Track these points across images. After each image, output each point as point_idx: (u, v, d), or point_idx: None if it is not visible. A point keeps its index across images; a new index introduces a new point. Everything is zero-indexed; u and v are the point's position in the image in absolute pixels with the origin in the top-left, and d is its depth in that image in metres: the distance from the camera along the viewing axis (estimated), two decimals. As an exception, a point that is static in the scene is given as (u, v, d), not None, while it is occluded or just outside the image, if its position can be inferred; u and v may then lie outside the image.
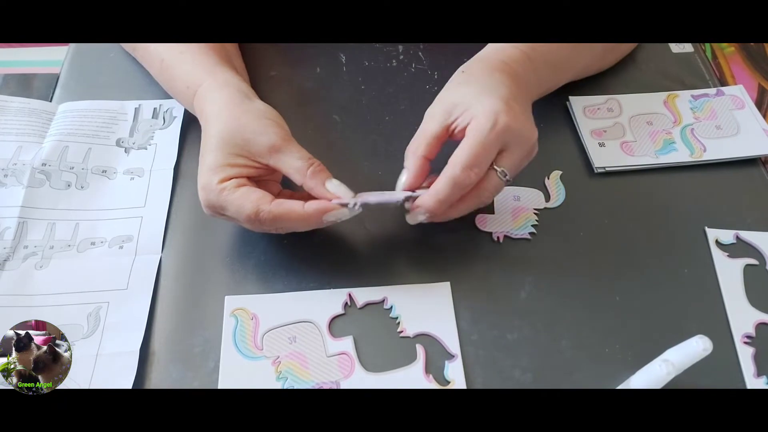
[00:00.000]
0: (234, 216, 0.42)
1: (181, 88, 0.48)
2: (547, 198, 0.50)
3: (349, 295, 0.44)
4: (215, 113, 0.44)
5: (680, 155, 0.52)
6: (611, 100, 0.56)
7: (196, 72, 0.47)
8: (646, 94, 0.56)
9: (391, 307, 0.44)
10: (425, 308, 0.44)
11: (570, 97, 0.56)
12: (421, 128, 0.45)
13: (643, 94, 0.56)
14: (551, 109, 0.56)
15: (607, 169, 0.51)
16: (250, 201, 0.41)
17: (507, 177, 0.43)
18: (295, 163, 0.42)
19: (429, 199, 0.41)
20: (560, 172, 0.51)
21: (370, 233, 0.47)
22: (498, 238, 0.47)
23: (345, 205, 0.42)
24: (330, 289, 0.45)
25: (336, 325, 0.43)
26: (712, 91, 0.56)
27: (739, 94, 0.56)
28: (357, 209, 0.42)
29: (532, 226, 0.48)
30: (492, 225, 0.48)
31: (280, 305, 0.44)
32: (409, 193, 0.43)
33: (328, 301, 0.44)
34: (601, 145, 0.52)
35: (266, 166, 0.43)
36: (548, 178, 0.51)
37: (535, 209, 0.49)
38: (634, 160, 0.52)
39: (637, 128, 0.54)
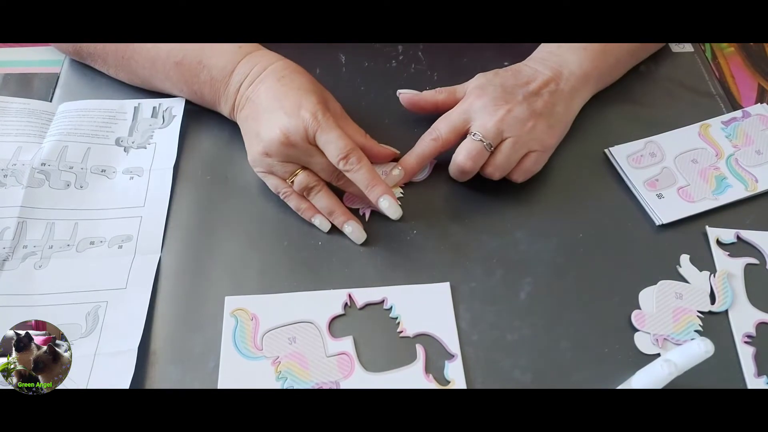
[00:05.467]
0: (323, 145, 0.44)
1: (214, 63, 0.48)
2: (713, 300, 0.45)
3: (349, 295, 0.44)
4: (283, 67, 0.47)
5: (736, 192, 0.50)
6: (650, 144, 0.53)
7: (232, 50, 0.48)
8: (680, 130, 0.54)
9: (391, 307, 0.44)
10: (425, 308, 0.44)
11: (611, 149, 0.53)
12: None
13: (676, 130, 0.54)
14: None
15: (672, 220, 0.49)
16: (346, 137, 0.44)
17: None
18: (353, 132, 0.47)
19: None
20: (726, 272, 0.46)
21: (370, 233, 0.47)
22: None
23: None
24: (330, 289, 0.45)
25: (336, 326, 0.43)
26: (738, 113, 0.55)
27: (764, 112, 0.56)
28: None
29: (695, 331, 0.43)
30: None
31: (280, 305, 0.44)
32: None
33: (328, 301, 0.44)
34: (660, 196, 0.50)
35: None
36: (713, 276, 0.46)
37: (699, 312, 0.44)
38: (695, 207, 0.49)
39: (685, 169, 0.52)
